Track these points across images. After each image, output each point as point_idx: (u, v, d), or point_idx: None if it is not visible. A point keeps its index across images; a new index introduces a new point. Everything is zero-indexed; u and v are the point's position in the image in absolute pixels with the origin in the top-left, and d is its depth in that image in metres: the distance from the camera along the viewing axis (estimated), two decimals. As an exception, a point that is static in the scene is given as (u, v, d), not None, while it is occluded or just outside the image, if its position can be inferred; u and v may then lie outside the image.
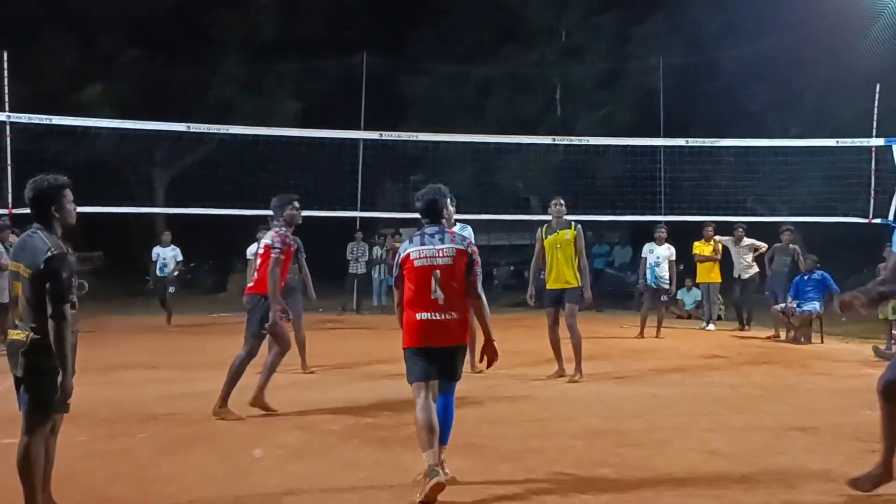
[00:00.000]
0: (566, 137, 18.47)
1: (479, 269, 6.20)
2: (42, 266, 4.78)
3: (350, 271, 21.85)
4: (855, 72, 18.35)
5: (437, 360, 6.01)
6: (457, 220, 11.08)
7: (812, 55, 22.38)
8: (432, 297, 6.00)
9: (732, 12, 26.40)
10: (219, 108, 24.14)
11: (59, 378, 4.78)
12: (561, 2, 28.69)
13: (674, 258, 16.58)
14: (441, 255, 6.06)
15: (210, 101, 25.36)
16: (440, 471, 5.62)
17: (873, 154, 15.09)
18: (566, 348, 10.73)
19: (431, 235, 6.16)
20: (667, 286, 16.54)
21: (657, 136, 21.54)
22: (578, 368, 10.57)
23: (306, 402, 8.94)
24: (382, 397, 9.06)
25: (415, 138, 17.19)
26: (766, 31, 23.55)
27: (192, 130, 15.57)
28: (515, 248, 19.26)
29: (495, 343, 6.12)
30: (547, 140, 18.63)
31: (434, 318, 5.99)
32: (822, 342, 15.15)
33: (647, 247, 16.99)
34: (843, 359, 13.10)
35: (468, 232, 10.48)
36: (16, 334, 4.88)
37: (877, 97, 15.95)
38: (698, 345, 14.98)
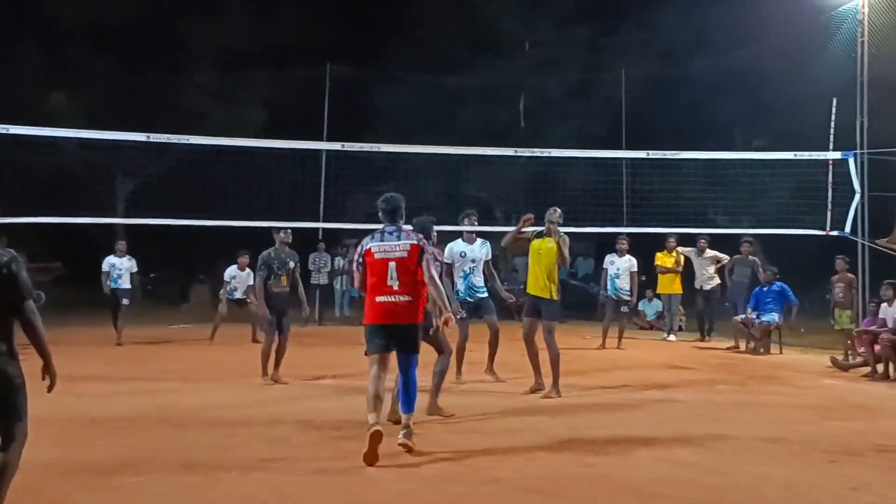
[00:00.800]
0: (528, 149, 18.53)
1: (430, 258, 7.57)
2: (3, 270, 4.85)
3: (312, 282, 21.81)
4: (816, 86, 18.60)
5: (393, 336, 7.38)
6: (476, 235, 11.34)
7: (777, 69, 22.70)
8: (388, 283, 7.39)
9: (702, 26, 26.73)
10: (190, 117, 24.01)
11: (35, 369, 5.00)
12: (534, 13, 28.87)
13: (635, 269, 16.72)
14: (397, 249, 7.46)
15: (182, 110, 25.21)
16: (379, 425, 6.90)
17: (830, 167, 15.31)
18: (544, 362, 10.64)
19: (390, 233, 7.56)
20: (627, 297, 16.69)
21: (623, 147, 21.76)
22: (555, 385, 10.39)
23: (271, 414, 8.94)
24: (348, 409, 9.05)
25: (377, 149, 17.18)
26: (734, 45, 23.86)
27: (151, 140, 15.30)
28: (481, 258, 19.35)
29: (448, 315, 7.51)
30: (509, 152, 18.70)
31: (390, 300, 7.39)
32: (782, 353, 15.37)
33: (608, 258, 17.17)
34: (803, 369, 13.29)
35: (487, 247, 11.64)
36: None
37: (833, 111, 16.19)
38: (660, 356, 15.13)
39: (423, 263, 7.43)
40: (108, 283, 16.66)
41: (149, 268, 17.95)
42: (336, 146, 18.43)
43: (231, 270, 16.79)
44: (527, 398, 10.19)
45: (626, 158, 19.46)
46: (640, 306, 20.11)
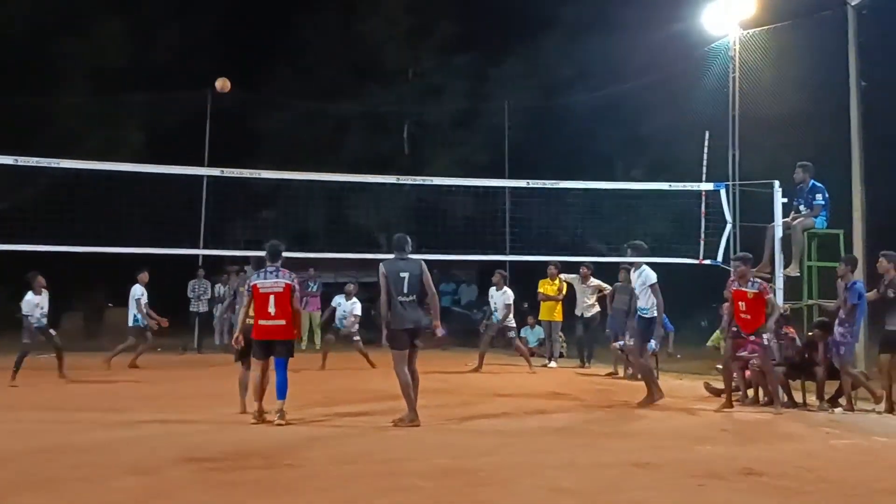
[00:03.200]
0: (412, 177, 18.63)
1: (297, 294, 10.44)
2: None
3: (191, 309, 21.38)
4: (691, 119, 19.18)
5: (271, 348, 10.17)
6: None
7: (655, 102, 23.34)
8: (268, 310, 10.04)
9: (583, 59, 27.32)
10: (64, 140, 23.32)
11: None
12: (418, 42, 29.07)
13: (510, 302, 17.11)
14: (275, 285, 10.11)
15: (55, 132, 24.46)
16: (260, 415, 10.02)
17: (703, 198, 15.76)
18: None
19: (271, 272, 10.22)
20: (512, 325, 17.17)
21: (505, 176, 22.05)
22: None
23: (147, 445, 8.70)
24: (224, 440, 8.90)
25: (258, 176, 16.99)
26: (614, 78, 24.47)
27: (20, 164, 14.62)
28: (364, 285, 19.26)
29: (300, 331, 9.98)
30: (392, 179, 18.75)
31: (269, 323, 10.09)
32: (658, 379, 15.66)
33: (490, 290, 17.77)
34: (679, 395, 13.58)
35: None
36: None
37: (706, 143, 16.71)
38: (541, 382, 15.29)
39: (293, 297, 10.23)
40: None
41: (16, 297, 16.54)
42: (216, 172, 18.09)
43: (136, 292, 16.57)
44: (403, 427, 10.15)
45: (508, 187, 19.67)
46: (522, 333, 20.35)
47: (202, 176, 20.10)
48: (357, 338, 17.40)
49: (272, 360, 10.27)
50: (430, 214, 20.40)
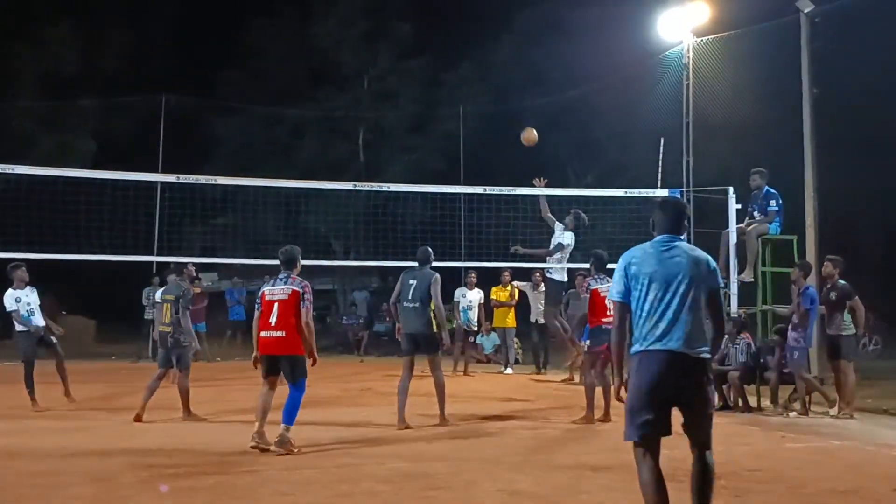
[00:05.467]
0: (367, 183, 18.59)
1: (307, 304, 8.88)
2: None
3: (146, 317, 21.11)
4: (645, 126, 19.32)
5: (275, 364, 8.92)
6: None
7: (609, 108, 23.49)
8: (269, 320, 8.85)
9: (536, 63, 27.43)
10: (14, 145, 22.97)
11: None
12: (372, 46, 29.01)
13: (483, 301, 17.43)
14: (282, 292, 8.91)
15: (4, 137, 24.09)
16: (257, 438, 8.50)
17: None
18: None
19: (281, 279, 9.00)
20: (476, 328, 17.38)
21: (461, 182, 22.06)
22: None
23: (100, 451, 8.57)
24: (180, 446, 8.80)
25: (213, 182, 16.84)
26: (568, 83, 24.57)
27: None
28: (318, 292, 19.13)
29: (315, 354, 9.00)
30: (349, 186, 18.69)
31: (268, 335, 8.88)
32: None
33: (458, 291, 18.05)
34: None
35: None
36: None
37: (661, 150, 16.82)
38: (498, 388, 15.28)
39: (301, 307, 8.84)
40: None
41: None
42: (171, 178, 17.88)
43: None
44: (363, 430, 10.10)
45: (464, 193, 19.67)
46: (478, 339, 20.39)
47: (156, 182, 19.89)
48: (55, 337, 13.75)
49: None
50: (385, 220, 20.35)
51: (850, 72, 18.20)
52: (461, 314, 17.93)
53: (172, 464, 7.99)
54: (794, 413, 11.90)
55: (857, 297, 11.75)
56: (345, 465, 8.11)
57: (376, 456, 8.57)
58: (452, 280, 17.44)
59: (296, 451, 8.53)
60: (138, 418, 10.70)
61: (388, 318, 23.53)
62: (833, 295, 11.77)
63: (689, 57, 17.41)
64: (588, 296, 11.20)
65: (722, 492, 7.05)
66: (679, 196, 15.33)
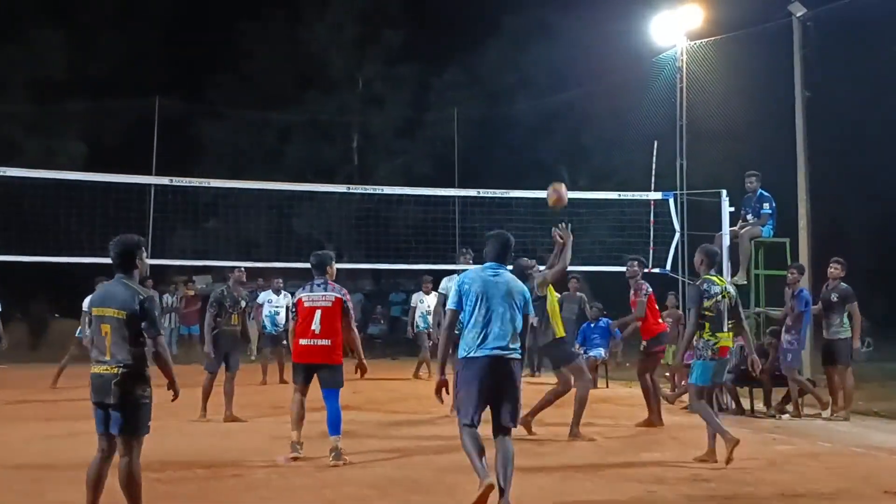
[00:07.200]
0: (361, 186, 18.56)
1: (352, 311, 8.78)
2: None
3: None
4: (638, 129, 19.31)
5: (314, 373, 8.59)
6: None
7: (602, 111, 23.49)
8: (312, 327, 8.51)
9: (526, 68, 27.42)
10: (1, 149, 22.90)
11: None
12: (361, 50, 29.00)
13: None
14: (324, 299, 8.57)
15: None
16: (299, 448, 8.53)
17: (652, 207, 15.83)
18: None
19: (318, 285, 8.66)
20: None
21: (454, 185, 22.02)
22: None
23: (84, 458, 8.49)
24: (167, 452, 8.72)
25: (206, 185, 16.79)
26: (559, 86, 24.56)
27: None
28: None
29: (364, 362, 8.79)
30: (342, 188, 18.65)
31: (311, 343, 8.53)
32: (608, 386, 15.73)
33: (416, 296, 17.88)
34: (627, 403, 13.59)
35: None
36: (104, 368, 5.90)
37: (654, 153, 16.81)
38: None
39: (346, 316, 8.63)
40: None
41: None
42: (164, 181, 17.85)
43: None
44: (346, 434, 10.03)
45: (457, 197, 19.63)
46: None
47: (149, 185, 19.83)
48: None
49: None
50: (376, 223, 20.30)
51: (842, 76, 18.23)
52: (420, 318, 17.42)
53: (159, 467, 7.92)
54: (787, 416, 11.88)
55: (856, 303, 11.74)
56: (329, 469, 8.06)
57: (362, 459, 8.53)
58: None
59: (348, 459, 8.31)
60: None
61: (381, 321, 23.60)
62: (834, 296, 11.77)
63: (682, 60, 17.42)
64: (645, 299, 11.58)
65: (710, 494, 7.05)
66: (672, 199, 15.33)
